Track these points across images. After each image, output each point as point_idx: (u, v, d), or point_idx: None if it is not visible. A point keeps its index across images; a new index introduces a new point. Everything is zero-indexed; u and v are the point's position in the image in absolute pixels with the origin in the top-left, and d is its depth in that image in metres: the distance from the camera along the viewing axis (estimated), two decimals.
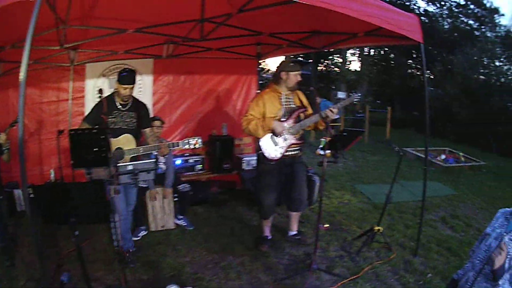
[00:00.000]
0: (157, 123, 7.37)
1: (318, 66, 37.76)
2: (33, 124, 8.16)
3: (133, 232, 6.82)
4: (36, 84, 8.04)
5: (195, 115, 9.97)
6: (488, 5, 29.47)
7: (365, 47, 31.17)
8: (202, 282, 5.66)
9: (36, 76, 7.89)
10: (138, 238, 7.04)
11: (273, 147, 6.23)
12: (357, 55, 33.96)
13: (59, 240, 6.70)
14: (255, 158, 7.57)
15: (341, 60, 33.66)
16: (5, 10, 4.03)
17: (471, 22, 30.13)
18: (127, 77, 5.75)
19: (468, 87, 22.12)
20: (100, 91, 5.46)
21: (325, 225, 7.66)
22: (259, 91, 10.27)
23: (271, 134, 6.18)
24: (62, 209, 4.39)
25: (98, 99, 5.70)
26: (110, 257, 6.18)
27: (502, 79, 23.03)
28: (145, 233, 7.28)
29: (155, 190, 7.44)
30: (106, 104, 5.67)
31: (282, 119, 6.22)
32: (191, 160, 9.29)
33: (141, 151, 5.83)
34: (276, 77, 6.41)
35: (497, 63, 23.73)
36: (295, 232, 7.04)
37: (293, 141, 6.26)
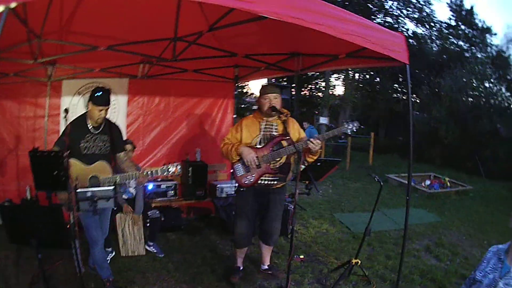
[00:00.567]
0: (128, 146, 7.12)
1: (302, 91, 37.71)
2: (11, 139, 7.99)
3: None
4: (15, 98, 7.94)
5: (169, 139, 9.72)
6: (480, 25, 29.69)
7: (347, 69, 31.14)
8: None
9: (15, 89, 7.82)
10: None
11: (243, 173, 5.94)
12: (342, 79, 33.99)
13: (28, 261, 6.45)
14: (229, 185, 7.52)
15: (323, 84, 33.62)
16: None
17: (461, 43, 30.32)
18: (103, 97, 5.36)
19: (455, 110, 22.10)
20: (66, 111, 5.12)
21: (301, 256, 7.38)
22: (235, 115, 10.22)
23: (242, 160, 5.86)
24: (24, 230, 4.36)
25: (64, 120, 5.22)
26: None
27: (492, 101, 22.91)
28: (112, 255, 7.08)
29: (124, 215, 7.27)
30: (75, 126, 5.39)
31: (258, 146, 5.91)
32: (163, 186, 9.00)
33: (118, 180, 5.42)
34: (257, 103, 6.23)
35: (486, 85, 23.65)
36: (266, 267, 6.73)
37: (267, 171, 5.88)
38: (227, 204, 8.73)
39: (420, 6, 31.90)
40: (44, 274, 4.48)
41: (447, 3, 30.90)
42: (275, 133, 6.00)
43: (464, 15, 30.18)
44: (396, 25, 31.53)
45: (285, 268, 6.77)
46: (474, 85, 23.20)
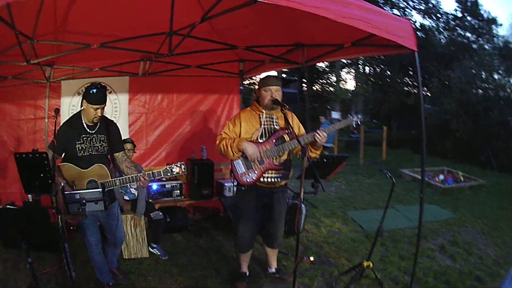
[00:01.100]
0: (128, 146, 6.90)
1: (313, 85, 37.38)
2: (12, 142, 7.85)
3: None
4: (15, 101, 7.80)
5: (173, 138, 9.34)
6: (485, 15, 29.32)
7: (357, 63, 30.77)
8: None
9: (14, 92, 7.70)
10: None
11: (244, 170, 5.49)
12: (352, 73, 33.64)
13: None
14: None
15: (335, 79, 33.32)
16: None
17: (468, 34, 29.92)
18: (98, 95, 4.95)
19: (466, 102, 21.59)
20: (56, 111, 4.93)
21: (311, 258, 6.93)
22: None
23: (243, 155, 5.41)
24: (14, 233, 4.28)
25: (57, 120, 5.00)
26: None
27: (501, 93, 22.55)
28: None
29: (126, 217, 6.98)
30: (69, 127, 5.11)
31: (259, 140, 5.47)
32: (168, 185, 8.60)
33: (117, 184, 5.02)
34: (256, 95, 5.78)
35: (495, 76, 23.25)
36: (273, 270, 6.35)
37: (271, 166, 5.46)
38: (235, 203, 8.24)
39: None
40: (35, 276, 4.38)
41: None
42: (277, 127, 5.59)
43: (470, 6, 29.82)
44: (402, 16, 30.96)
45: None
46: (483, 76, 22.75)
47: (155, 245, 7.22)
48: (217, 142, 5.55)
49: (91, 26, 5.85)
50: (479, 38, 28.99)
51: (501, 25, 29.10)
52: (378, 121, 33.70)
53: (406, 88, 32.59)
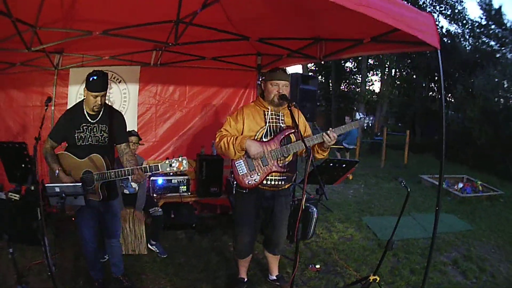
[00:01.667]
0: (133, 138, 6.52)
1: (340, 85, 37.15)
2: (17, 128, 7.72)
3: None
4: (22, 87, 7.69)
5: (184, 131, 8.92)
6: (508, 24, 28.31)
7: (383, 64, 30.39)
8: None
9: (22, 78, 7.58)
10: (104, 260, 6.16)
11: (247, 172, 4.93)
12: (379, 75, 33.31)
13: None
14: None
15: (360, 79, 33.04)
16: None
17: (492, 43, 29.01)
18: (98, 82, 4.64)
19: (489, 110, 20.91)
20: (49, 99, 4.74)
21: (317, 266, 6.43)
22: None
23: (246, 155, 4.88)
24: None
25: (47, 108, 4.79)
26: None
27: None
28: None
29: (125, 211, 6.70)
30: (70, 115, 4.86)
31: (263, 139, 4.95)
32: (174, 181, 8.16)
33: (112, 176, 4.70)
34: (261, 89, 5.24)
35: None
36: (274, 277, 5.84)
37: (275, 168, 4.90)
38: (234, 205, 7.83)
39: (453, 2, 30.76)
40: (16, 267, 4.42)
41: (477, 2, 29.77)
42: (283, 125, 5.04)
43: (494, 14, 28.91)
44: None
45: (297, 279, 5.98)
46: (505, 85, 22.09)
47: (154, 242, 6.94)
48: (217, 139, 5.00)
49: (97, 14, 5.48)
50: (503, 47, 28.16)
51: None
52: (403, 125, 33.29)
53: (431, 93, 32.08)
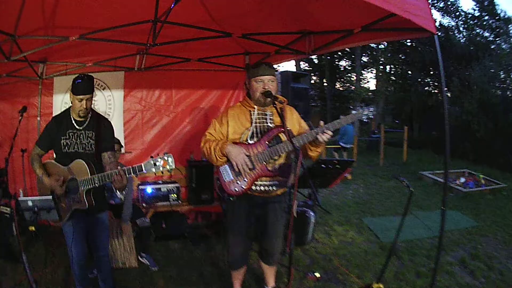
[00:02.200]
0: (115, 146, 6.01)
1: (334, 84, 36.99)
2: (6, 141, 7.46)
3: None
4: (8, 99, 7.54)
5: (172, 137, 8.55)
6: (502, 15, 28.34)
7: (378, 61, 30.23)
8: None
9: (8, 90, 7.47)
10: (92, 276, 5.76)
11: (232, 178, 4.50)
12: (373, 72, 33.20)
13: None
14: None
15: (355, 77, 32.95)
16: None
17: (486, 34, 28.96)
18: (83, 84, 4.40)
19: (487, 102, 20.89)
20: (24, 109, 4.92)
21: (316, 275, 6.02)
22: None
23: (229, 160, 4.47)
24: None
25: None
26: None
27: None
28: None
29: (112, 222, 6.32)
30: (57, 122, 4.61)
31: (249, 141, 4.52)
32: (163, 189, 7.83)
33: (96, 182, 4.32)
34: (246, 88, 4.84)
35: None
36: None
37: (263, 173, 4.48)
38: (224, 214, 7.52)
39: None
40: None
41: None
42: (271, 124, 4.59)
43: (486, 5, 28.83)
44: None
45: None
46: (502, 76, 22.19)
47: (144, 254, 6.61)
48: (201, 144, 4.63)
49: (76, 20, 5.35)
50: (497, 38, 28.09)
51: None
52: (400, 121, 33.20)
53: (427, 89, 31.94)
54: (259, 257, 5.20)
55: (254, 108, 4.58)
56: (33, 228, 4.58)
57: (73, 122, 4.58)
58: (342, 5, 3.23)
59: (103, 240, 4.99)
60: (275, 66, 6.11)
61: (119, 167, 4.32)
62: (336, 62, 37.53)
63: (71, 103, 4.52)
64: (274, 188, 4.55)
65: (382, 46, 31.11)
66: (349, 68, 37.50)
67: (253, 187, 4.47)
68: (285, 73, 8.09)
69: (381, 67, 32.32)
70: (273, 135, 4.44)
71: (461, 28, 30.05)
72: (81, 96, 4.38)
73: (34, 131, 7.58)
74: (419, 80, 30.73)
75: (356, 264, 6.65)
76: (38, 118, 7.55)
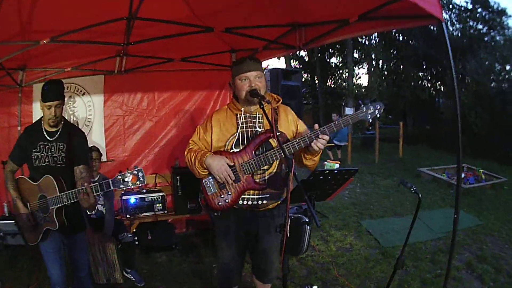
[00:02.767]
0: (93, 154, 6.01)
1: (326, 81, 36.70)
2: None
3: None
4: None
5: (156, 142, 8.11)
6: (495, 6, 28.19)
7: (370, 56, 30.03)
8: None
9: None
10: None
11: (216, 191, 3.96)
12: (365, 68, 33.00)
13: None
14: None
15: (346, 73, 32.72)
16: None
17: (479, 26, 28.77)
18: (50, 90, 4.12)
19: (482, 95, 20.77)
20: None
21: (314, 287, 5.55)
22: None
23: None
24: None
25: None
26: None
27: None
28: None
29: (93, 237, 5.99)
30: (29, 133, 4.37)
31: (234, 149, 3.98)
32: (148, 198, 7.39)
33: (64, 200, 3.96)
34: (232, 88, 4.23)
35: (508, 68, 22.73)
36: None
37: (250, 185, 3.87)
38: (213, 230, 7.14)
39: None
40: None
41: None
42: (260, 129, 4.01)
43: None
44: None
45: None
46: (497, 69, 22.01)
47: (129, 270, 6.28)
48: (185, 153, 4.15)
49: (50, 23, 4.95)
50: (491, 30, 28.08)
51: (511, 16, 28.23)
52: (393, 117, 33.09)
53: (420, 82, 31.74)
54: (253, 273, 4.63)
55: (241, 110, 4.03)
56: None
57: (44, 133, 4.28)
58: None
59: (82, 261, 4.66)
60: (263, 64, 5.63)
61: (86, 184, 3.91)
62: (327, 59, 37.26)
63: (42, 112, 4.22)
64: (264, 201, 3.98)
65: (374, 42, 30.83)
66: (341, 64, 37.18)
67: (240, 201, 3.95)
68: (274, 71, 7.66)
69: (373, 62, 32.01)
70: (260, 141, 3.88)
71: (454, 21, 29.87)
72: (49, 103, 4.09)
73: (15, 141, 7.09)
74: (412, 74, 30.58)
75: (356, 273, 6.25)
76: (19, 128, 7.08)
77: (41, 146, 4.25)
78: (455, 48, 25.67)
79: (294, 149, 3.62)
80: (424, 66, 30.23)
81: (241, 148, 3.90)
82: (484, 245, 7.60)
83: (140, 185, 3.85)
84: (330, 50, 36.14)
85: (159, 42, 5.79)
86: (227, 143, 3.97)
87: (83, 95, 7.50)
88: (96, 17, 4.81)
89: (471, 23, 28.90)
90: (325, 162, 11.10)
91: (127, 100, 7.88)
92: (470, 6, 28.84)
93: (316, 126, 3.62)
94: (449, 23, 29.54)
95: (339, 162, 11.27)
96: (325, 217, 9.16)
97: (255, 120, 3.99)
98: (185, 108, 8.19)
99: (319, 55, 35.05)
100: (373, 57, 31.16)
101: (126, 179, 3.72)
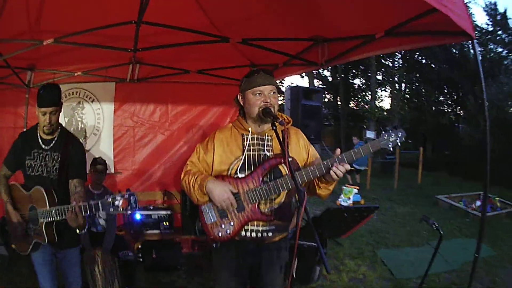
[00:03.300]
0: (99, 167, 5.72)
1: (348, 103, 36.48)
2: None
3: None
4: None
5: (167, 158, 7.84)
6: None
7: (393, 79, 29.81)
8: None
9: None
10: None
11: (216, 220, 3.45)
12: (388, 90, 32.65)
13: None
14: None
15: (369, 95, 32.40)
16: None
17: (499, 49, 28.31)
18: (45, 95, 3.84)
19: (503, 120, 20.30)
20: None
21: None
22: None
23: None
24: None
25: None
26: None
27: None
28: None
29: (92, 252, 5.62)
30: (24, 139, 4.12)
31: (239, 175, 3.43)
32: (154, 216, 7.04)
33: (53, 216, 3.67)
34: (239, 104, 3.67)
35: None
36: None
37: (255, 216, 3.35)
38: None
39: None
40: None
41: (483, 7, 29.59)
42: (268, 153, 3.48)
43: (499, 19, 28.17)
44: None
45: None
46: None
47: None
48: (181, 176, 3.61)
49: (59, 24, 4.80)
50: (510, 54, 27.64)
51: None
52: (413, 142, 32.71)
53: (440, 108, 31.66)
54: None
55: (248, 131, 3.52)
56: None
57: (40, 140, 4.02)
58: (362, 3, 2.39)
59: (73, 276, 4.36)
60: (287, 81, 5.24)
61: (74, 203, 3.58)
62: (351, 80, 37.02)
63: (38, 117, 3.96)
64: (270, 234, 3.46)
65: (397, 64, 30.52)
66: (363, 86, 36.89)
67: (243, 233, 3.44)
68: (295, 89, 7.26)
69: (396, 85, 31.69)
70: (269, 167, 3.39)
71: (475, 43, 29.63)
72: (44, 109, 3.82)
73: None
74: (432, 98, 30.38)
75: None
76: (25, 129, 6.54)
77: (35, 154, 4.00)
78: (476, 72, 25.40)
79: (308, 178, 3.17)
80: (445, 91, 29.88)
81: (246, 173, 3.40)
82: (496, 277, 7.25)
83: (130, 211, 3.44)
84: (354, 71, 35.91)
85: (174, 51, 5.52)
86: (231, 166, 3.47)
87: (92, 101, 7.32)
88: (103, 21, 4.60)
89: (491, 46, 28.50)
90: (343, 187, 10.66)
91: (139, 110, 7.65)
92: (491, 28, 28.45)
93: (338, 151, 3.20)
94: (470, 45, 29.25)
95: (357, 187, 10.80)
96: (339, 244, 8.69)
97: (263, 142, 3.50)
98: (199, 123, 7.88)
99: (342, 76, 34.76)
100: (396, 79, 30.85)
101: (116, 203, 3.36)
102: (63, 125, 4.15)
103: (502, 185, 17.13)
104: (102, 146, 7.19)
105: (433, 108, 30.06)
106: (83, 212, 3.46)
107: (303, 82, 40.24)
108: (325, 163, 3.15)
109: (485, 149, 3.89)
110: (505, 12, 27.59)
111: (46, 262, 4.12)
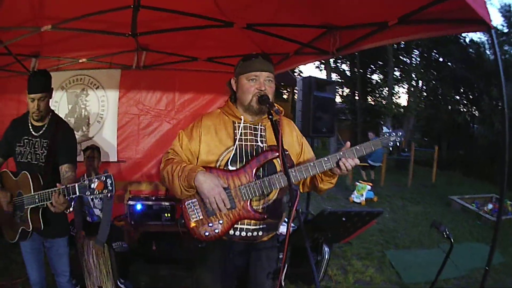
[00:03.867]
0: (86, 153, 5.73)
1: (366, 98, 36.13)
2: None
3: None
4: (0, 94, 7.00)
5: None
6: None
7: (410, 75, 29.40)
8: None
9: (1, 84, 6.90)
10: None
11: (202, 217, 3.01)
12: (405, 87, 32.29)
13: None
14: None
15: (386, 91, 32.04)
16: None
17: None
18: (33, 81, 3.80)
19: None
20: None
21: None
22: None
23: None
24: None
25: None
26: None
27: None
28: None
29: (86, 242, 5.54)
30: (15, 126, 4.12)
31: (230, 167, 3.03)
32: (155, 207, 6.82)
33: (36, 201, 3.47)
34: (231, 89, 3.30)
35: None
36: None
37: (247, 214, 2.95)
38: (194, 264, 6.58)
39: None
40: None
41: (498, 9, 29.23)
42: (262, 144, 3.11)
43: None
44: None
45: None
46: None
47: (123, 280, 5.75)
48: (161, 166, 3.17)
49: (62, 10, 4.59)
50: None
51: None
52: (429, 139, 32.40)
53: (456, 106, 31.21)
54: None
55: (240, 119, 3.12)
56: None
57: (30, 127, 3.99)
58: None
59: (61, 267, 4.29)
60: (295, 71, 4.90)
61: (58, 185, 3.30)
62: (368, 75, 36.84)
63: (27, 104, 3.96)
64: (261, 233, 3.10)
65: (415, 61, 30.16)
66: (381, 82, 36.57)
67: (231, 231, 3.04)
68: (307, 79, 6.95)
69: (413, 82, 31.32)
70: (265, 160, 2.98)
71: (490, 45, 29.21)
72: (32, 95, 3.80)
73: None
74: (448, 97, 30.16)
75: None
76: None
77: (25, 140, 3.95)
78: (491, 72, 25.07)
79: (307, 175, 2.85)
80: (461, 90, 29.67)
81: (238, 166, 3.01)
82: (504, 284, 6.97)
83: (108, 194, 3.08)
84: (372, 66, 35.58)
85: (181, 38, 5.50)
86: (221, 157, 3.04)
87: (97, 88, 7.19)
88: (103, 6, 4.43)
89: (506, 48, 28.05)
90: (357, 183, 10.30)
91: (144, 98, 7.49)
92: (506, 30, 27.92)
93: (348, 144, 2.93)
94: (486, 45, 28.83)
95: (371, 184, 10.43)
96: (348, 243, 8.34)
97: (256, 132, 3.12)
98: (207, 112, 7.43)
99: (360, 70, 34.58)
100: (413, 76, 30.49)
101: (92, 185, 3.04)
102: (67, 111, 4.14)
103: None
104: (106, 134, 7.03)
105: (449, 106, 29.85)
106: (65, 194, 3.21)
107: (321, 75, 39.89)
108: (325, 158, 2.87)
109: (503, 151, 3.49)
110: None
111: (34, 250, 4.09)
